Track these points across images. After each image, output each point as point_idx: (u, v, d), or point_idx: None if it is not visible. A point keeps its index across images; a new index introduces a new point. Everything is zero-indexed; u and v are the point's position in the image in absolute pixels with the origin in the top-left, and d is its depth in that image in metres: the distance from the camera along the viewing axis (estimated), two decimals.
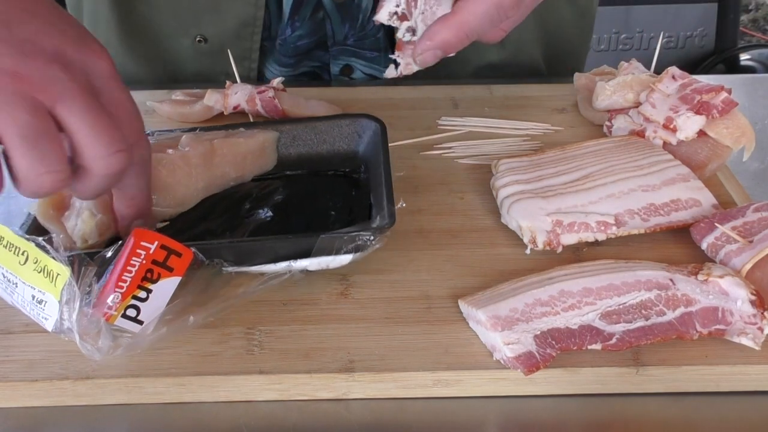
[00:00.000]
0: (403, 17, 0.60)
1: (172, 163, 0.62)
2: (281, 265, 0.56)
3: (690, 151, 0.71)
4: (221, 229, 0.62)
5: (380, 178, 0.61)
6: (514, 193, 0.64)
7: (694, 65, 2.13)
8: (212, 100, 0.79)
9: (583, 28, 0.97)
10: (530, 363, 0.50)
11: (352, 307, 0.57)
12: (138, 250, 0.51)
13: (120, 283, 0.50)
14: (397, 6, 0.59)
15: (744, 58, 2.21)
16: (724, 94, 0.71)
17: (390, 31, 0.89)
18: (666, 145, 0.71)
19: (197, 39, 0.88)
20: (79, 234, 0.57)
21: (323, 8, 0.86)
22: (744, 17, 2.86)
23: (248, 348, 0.53)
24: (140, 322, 0.51)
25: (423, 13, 0.59)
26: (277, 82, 0.80)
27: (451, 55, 0.59)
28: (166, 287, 0.52)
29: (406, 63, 0.63)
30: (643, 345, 0.52)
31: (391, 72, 0.63)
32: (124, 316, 0.50)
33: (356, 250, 0.56)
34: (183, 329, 0.52)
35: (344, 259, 0.55)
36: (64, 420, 0.51)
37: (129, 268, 0.51)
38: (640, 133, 0.73)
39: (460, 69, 0.92)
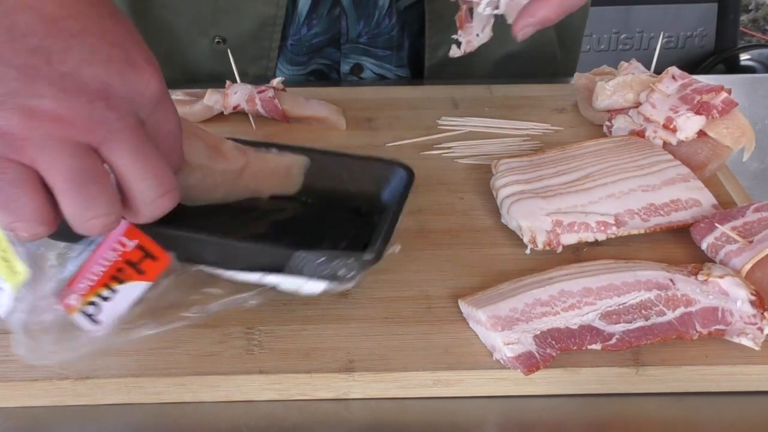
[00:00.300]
0: None
1: (206, 170, 0.58)
2: (253, 277, 0.52)
3: (690, 151, 0.71)
4: (209, 229, 0.58)
5: (387, 219, 0.57)
6: (514, 193, 0.64)
7: (694, 65, 2.13)
8: (212, 99, 0.79)
9: (582, 21, 0.97)
10: (530, 363, 0.50)
11: (352, 307, 0.57)
12: (115, 245, 0.48)
13: (90, 275, 0.47)
14: None
15: (744, 58, 2.21)
16: (724, 94, 0.71)
17: (403, 29, 0.89)
18: (666, 145, 0.71)
19: (216, 40, 0.88)
20: None
21: (340, 5, 0.86)
22: (744, 17, 2.86)
23: (248, 348, 0.53)
24: (97, 323, 0.48)
25: None
26: (276, 82, 0.80)
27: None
28: (132, 291, 0.49)
29: (467, 41, 0.64)
30: (643, 345, 0.52)
31: (455, 51, 0.64)
32: (83, 312, 0.47)
33: (331, 278, 0.51)
34: (135, 341, 0.49)
35: (317, 286, 0.51)
36: (64, 420, 0.51)
37: (102, 261, 0.48)
38: (640, 133, 0.73)
39: (482, 59, 0.91)
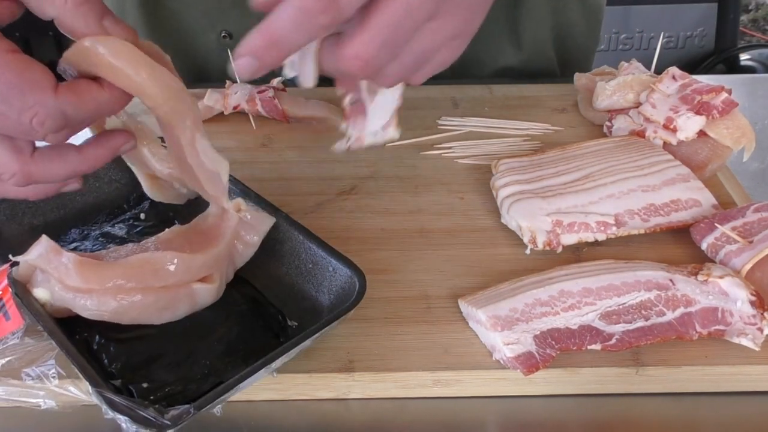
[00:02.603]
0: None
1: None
2: (87, 384, 0.47)
3: (690, 152, 0.71)
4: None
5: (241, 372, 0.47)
6: (514, 193, 0.64)
7: (694, 65, 2.12)
8: (212, 99, 0.79)
9: (592, 27, 0.97)
10: (530, 363, 0.50)
11: None
12: None
13: None
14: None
15: (744, 58, 2.21)
16: (724, 95, 0.71)
17: None
18: (666, 146, 0.71)
19: (222, 34, 0.88)
20: None
21: None
22: (744, 17, 2.86)
23: None
24: None
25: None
26: (276, 81, 0.80)
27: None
28: None
29: (356, 136, 0.54)
30: (643, 345, 0.52)
31: (340, 145, 0.53)
32: None
33: (127, 425, 0.45)
34: None
35: (120, 421, 0.45)
36: (64, 420, 0.51)
37: None
38: (640, 134, 0.73)
39: (478, 71, 0.92)
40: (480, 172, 0.72)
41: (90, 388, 0.46)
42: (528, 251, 0.61)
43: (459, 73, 0.81)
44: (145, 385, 0.50)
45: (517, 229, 0.62)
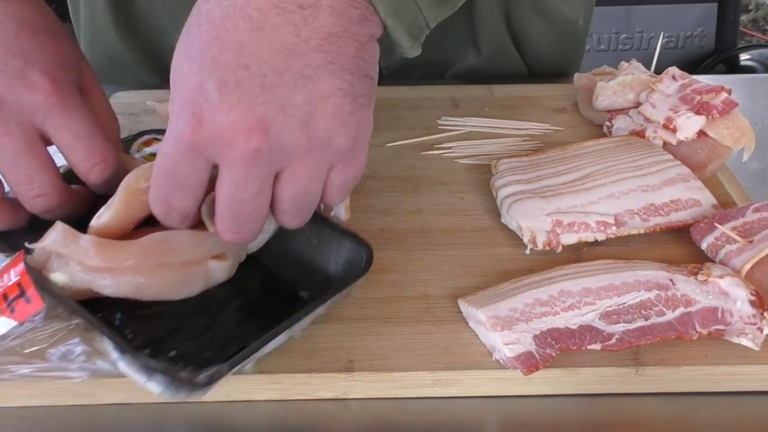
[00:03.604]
0: None
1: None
2: (113, 354, 0.49)
3: (690, 152, 0.71)
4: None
5: (267, 333, 0.49)
6: (514, 193, 0.64)
7: (694, 65, 2.13)
8: None
9: (563, 40, 0.95)
10: (530, 363, 0.50)
11: (351, 307, 0.57)
12: (5, 275, 0.50)
13: None
14: None
15: (744, 58, 2.21)
16: (724, 95, 0.71)
17: None
18: (666, 146, 0.71)
19: None
20: None
21: None
22: (744, 17, 2.86)
23: None
24: None
25: None
26: None
27: None
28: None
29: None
30: (643, 345, 0.52)
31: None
32: None
33: (163, 388, 0.46)
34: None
35: (153, 388, 0.47)
36: (64, 420, 0.51)
37: None
38: (640, 134, 0.73)
39: (436, 73, 0.92)
40: (480, 172, 0.72)
41: (121, 357, 0.47)
42: (528, 251, 0.62)
43: (414, 73, 0.80)
44: (172, 354, 0.51)
45: (517, 229, 0.62)
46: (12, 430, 0.50)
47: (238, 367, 0.47)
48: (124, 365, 0.48)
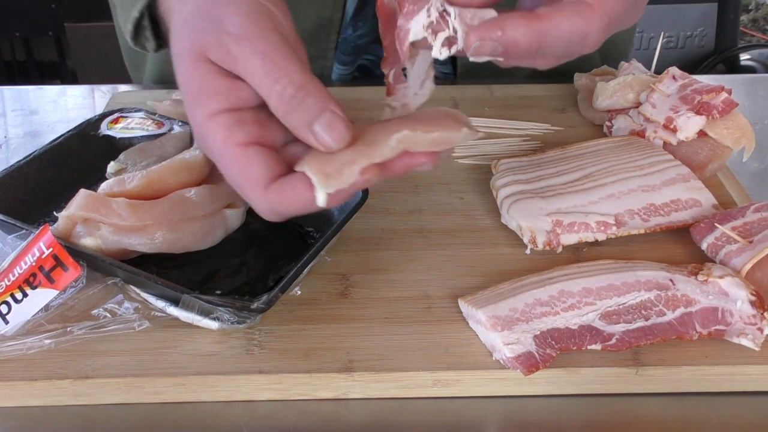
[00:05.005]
0: (437, 27, 0.48)
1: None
2: (159, 304, 0.54)
3: (690, 152, 0.71)
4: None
5: (300, 262, 0.55)
6: (514, 193, 0.64)
7: (694, 65, 2.12)
8: None
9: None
10: (530, 363, 0.50)
11: (351, 307, 0.57)
12: (34, 249, 0.52)
13: (9, 275, 0.52)
14: (428, 16, 0.48)
15: (744, 58, 2.21)
16: (724, 95, 0.71)
17: None
18: (666, 146, 0.71)
19: None
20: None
21: None
22: (744, 17, 2.86)
23: (248, 348, 0.53)
24: (6, 321, 0.52)
25: (459, 15, 0.48)
26: None
27: (493, 60, 0.49)
28: (40, 297, 0.52)
29: (403, 104, 0.55)
30: (643, 345, 0.52)
31: (388, 113, 0.55)
32: None
33: (222, 320, 0.52)
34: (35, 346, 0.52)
35: (211, 324, 0.53)
36: (63, 420, 0.51)
37: (22, 264, 0.52)
38: (641, 134, 0.73)
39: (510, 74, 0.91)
40: (480, 172, 0.72)
41: (171, 303, 0.53)
42: (528, 251, 0.61)
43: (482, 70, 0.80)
44: (218, 292, 0.56)
45: (517, 229, 0.62)
46: (12, 430, 0.50)
47: (288, 290, 0.53)
48: (175, 310, 0.53)
